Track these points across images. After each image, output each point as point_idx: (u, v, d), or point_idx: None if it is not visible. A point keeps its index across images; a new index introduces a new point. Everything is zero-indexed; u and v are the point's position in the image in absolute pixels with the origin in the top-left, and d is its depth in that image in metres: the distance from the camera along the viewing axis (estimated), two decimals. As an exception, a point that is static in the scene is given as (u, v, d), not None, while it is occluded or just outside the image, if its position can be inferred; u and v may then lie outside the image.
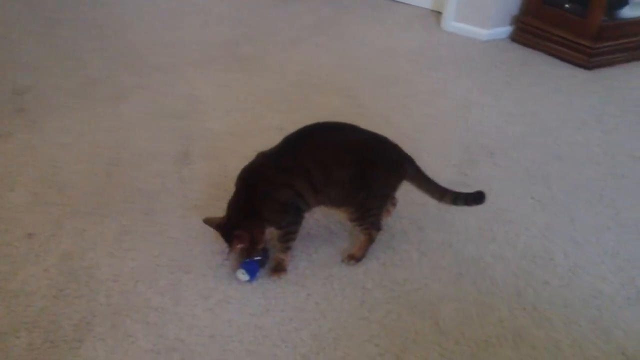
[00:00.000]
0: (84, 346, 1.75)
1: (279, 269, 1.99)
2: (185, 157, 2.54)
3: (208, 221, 1.94)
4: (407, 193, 2.14)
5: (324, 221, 2.23)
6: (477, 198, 2.08)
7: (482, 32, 3.65)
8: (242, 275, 1.95)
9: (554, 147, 2.65)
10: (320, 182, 1.87)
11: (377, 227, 2.06)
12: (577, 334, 1.87)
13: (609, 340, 1.85)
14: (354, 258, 2.05)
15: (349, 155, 1.90)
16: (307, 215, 1.99)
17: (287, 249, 1.99)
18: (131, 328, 1.82)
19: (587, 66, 3.30)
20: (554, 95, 3.05)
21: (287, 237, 1.97)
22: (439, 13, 3.86)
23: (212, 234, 1.97)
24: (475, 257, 2.11)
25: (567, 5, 3.41)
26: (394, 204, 2.21)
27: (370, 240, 2.07)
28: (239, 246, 1.85)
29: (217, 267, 2.01)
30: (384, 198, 2.02)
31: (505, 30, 3.68)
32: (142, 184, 2.38)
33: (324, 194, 1.91)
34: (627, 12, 3.27)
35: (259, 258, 1.97)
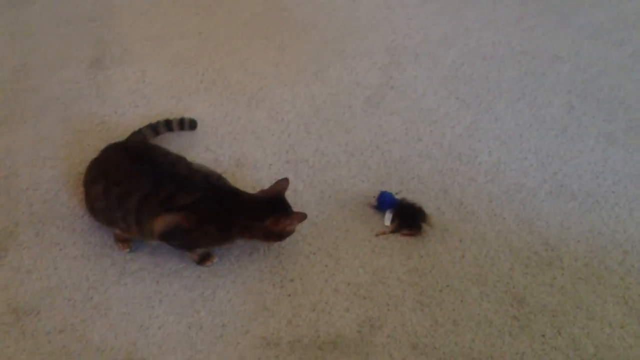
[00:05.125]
0: (9, 255, 1.74)
1: None
2: (100, 62, 2.39)
3: None
4: (329, 97, 2.09)
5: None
6: (191, 124, 2.06)
7: None
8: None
9: (476, 48, 2.65)
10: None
11: None
12: (502, 226, 1.92)
13: (532, 232, 1.92)
14: None
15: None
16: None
17: None
18: (57, 236, 1.80)
19: (508, -33, 3.28)
20: (476, -4, 3.03)
21: None
22: None
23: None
24: (402, 157, 2.12)
25: None
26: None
27: None
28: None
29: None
30: None
31: None
32: (55, 91, 2.25)
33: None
34: None
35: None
